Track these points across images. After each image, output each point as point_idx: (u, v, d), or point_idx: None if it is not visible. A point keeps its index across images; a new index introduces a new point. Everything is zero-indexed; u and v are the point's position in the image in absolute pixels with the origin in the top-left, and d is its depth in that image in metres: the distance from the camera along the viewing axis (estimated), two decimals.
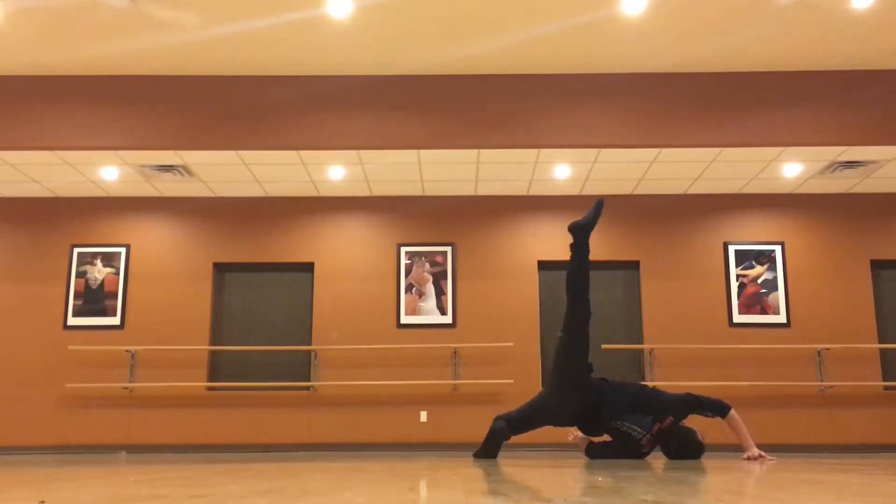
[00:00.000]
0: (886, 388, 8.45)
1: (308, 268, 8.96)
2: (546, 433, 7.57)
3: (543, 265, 8.90)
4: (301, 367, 8.80)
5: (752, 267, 8.75)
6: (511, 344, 8.56)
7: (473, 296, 8.75)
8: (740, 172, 8.19)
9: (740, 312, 8.65)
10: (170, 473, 3.24)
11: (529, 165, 7.98)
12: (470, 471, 3.31)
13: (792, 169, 8.07)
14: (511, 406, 8.08)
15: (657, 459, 4.88)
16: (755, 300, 8.68)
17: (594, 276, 8.92)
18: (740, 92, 7.55)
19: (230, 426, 8.47)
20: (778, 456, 6.26)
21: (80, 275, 8.80)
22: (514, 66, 7.51)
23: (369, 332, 8.66)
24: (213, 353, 8.81)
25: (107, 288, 8.78)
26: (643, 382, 8.54)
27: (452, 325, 8.66)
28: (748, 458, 4.61)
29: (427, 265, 8.84)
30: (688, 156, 7.72)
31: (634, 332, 8.81)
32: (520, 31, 6.87)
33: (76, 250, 8.85)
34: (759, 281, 8.72)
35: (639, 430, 4.70)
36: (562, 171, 8.14)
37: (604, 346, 8.61)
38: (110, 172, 8.13)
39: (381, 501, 1.84)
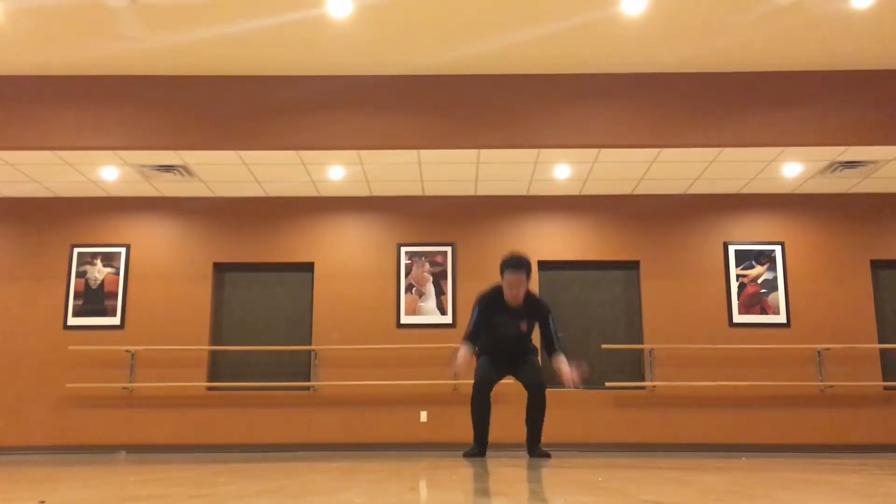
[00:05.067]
0: (886, 388, 8.45)
1: (308, 268, 8.96)
2: (547, 435, 7.56)
3: (543, 265, 8.90)
4: (301, 367, 8.80)
5: (752, 267, 8.75)
6: None
7: (474, 296, 8.73)
8: (740, 172, 8.19)
9: (740, 312, 8.65)
10: (170, 473, 3.24)
11: (529, 165, 7.98)
12: (470, 471, 3.30)
13: (792, 169, 8.07)
14: (510, 406, 8.09)
15: (657, 459, 4.88)
16: (755, 300, 8.68)
17: (594, 275, 8.96)
18: (740, 92, 7.54)
19: (230, 426, 8.47)
20: (778, 456, 6.25)
21: (80, 275, 8.80)
22: (514, 66, 7.51)
23: (369, 332, 8.66)
24: (213, 353, 8.81)
25: (107, 288, 8.78)
26: (644, 382, 8.55)
27: (452, 325, 8.66)
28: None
29: (427, 265, 8.84)
30: (688, 156, 7.72)
31: (634, 332, 8.80)
32: (520, 31, 6.87)
33: (76, 250, 8.85)
34: (759, 281, 8.72)
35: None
36: (562, 171, 8.14)
37: (604, 346, 8.61)
38: (110, 172, 8.13)
39: (381, 501, 1.84)
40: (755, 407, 8.44)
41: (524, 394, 5.64)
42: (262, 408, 8.52)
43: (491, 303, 5.35)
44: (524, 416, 5.61)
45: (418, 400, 8.51)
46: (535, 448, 5.53)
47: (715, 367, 8.54)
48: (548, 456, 5.49)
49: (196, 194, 8.88)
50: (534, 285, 8.79)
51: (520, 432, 5.97)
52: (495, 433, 7.84)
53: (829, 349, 8.50)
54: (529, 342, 5.52)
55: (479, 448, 5.48)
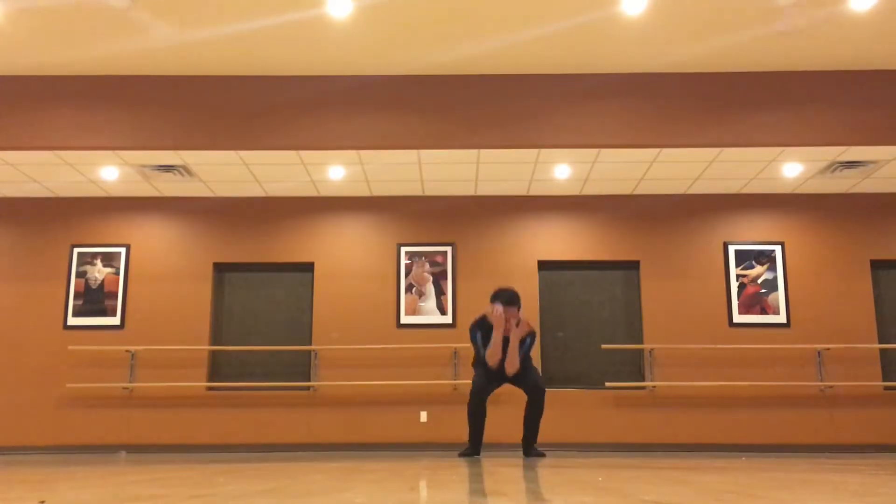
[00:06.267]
0: (886, 388, 8.45)
1: (308, 268, 8.96)
2: (547, 435, 7.62)
3: (543, 265, 8.90)
4: (301, 367, 8.80)
5: (752, 267, 8.75)
6: None
7: (473, 296, 8.74)
8: (740, 172, 8.19)
9: (740, 312, 8.65)
10: (170, 473, 3.24)
11: (529, 165, 7.98)
12: (470, 471, 3.31)
13: (792, 169, 8.07)
14: (510, 406, 8.09)
15: (657, 459, 4.88)
16: (755, 300, 8.68)
17: (595, 275, 8.96)
18: (740, 92, 7.55)
19: (230, 426, 8.47)
20: (778, 456, 6.25)
21: (80, 275, 8.79)
22: (514, 66, 7.51)
23: (369, 332, 8.66)
24: (213, 353, 8.81)
25: (107, 288, 8.78)
26: (644, 382, 8.55)
27: (452, 325, 8.66)
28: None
29: (427, 265, 8.84)
30: (688, 156, 7.72)
31: (634, 332, 8.81)
32: (520, 31, 6.87)
33: (76, 250, 8.85)
34: (759, 281, 8.72)
35: None
36: (562, 171, 8.14)
37: (604, 346, 8.61)
38: (110, 172, 8.13)
39: (381, 501, 1.84)
40: (755, 407, 8.43)
41: (522, 396, 5.66)
42: (262, 408, 8.52)
43: (485, 329, 5.76)
44: (522, 417, 5.79)
45: (418, 400, 8.51)
46: (532, 447, 5.66)
47: (715, 367, 8.54)
48: (542, 455, 5.55)
49: (196, 194, 8.88)
50: (534, 285, 8.79)
51: (518, 432, 5.99)
52: (495, 433, 7.86)
53: (829, 349, 8.50)
54: (527, 359, 5.81)
55: (473, 449, 5.76)
